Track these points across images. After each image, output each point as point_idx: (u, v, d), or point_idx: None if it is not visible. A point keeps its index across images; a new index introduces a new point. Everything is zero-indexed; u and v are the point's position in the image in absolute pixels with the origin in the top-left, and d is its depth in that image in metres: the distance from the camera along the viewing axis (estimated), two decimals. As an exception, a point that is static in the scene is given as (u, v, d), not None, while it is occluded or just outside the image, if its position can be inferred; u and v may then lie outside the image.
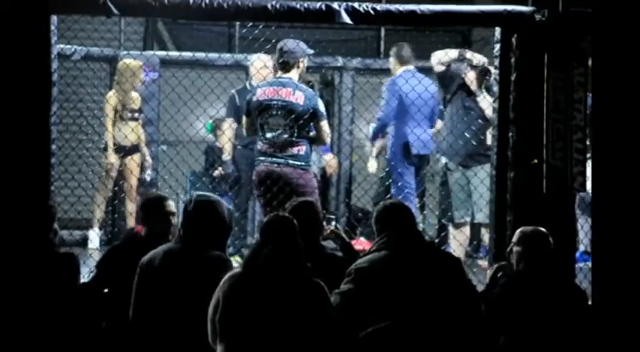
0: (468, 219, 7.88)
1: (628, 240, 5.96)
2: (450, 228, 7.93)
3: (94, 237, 8.60)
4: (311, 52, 6.85)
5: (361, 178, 9.28)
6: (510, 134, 6.09)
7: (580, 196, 6.90)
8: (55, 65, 5.97)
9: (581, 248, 7.49)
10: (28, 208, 5.84)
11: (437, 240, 7.81)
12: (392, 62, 8.30)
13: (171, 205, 5.38)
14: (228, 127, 8.07)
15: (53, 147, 5.98)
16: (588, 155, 6.09)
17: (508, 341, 4.99)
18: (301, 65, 6.73)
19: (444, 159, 7.95)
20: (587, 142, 6.06)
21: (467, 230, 7.93)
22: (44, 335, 5.02)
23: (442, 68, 7.91)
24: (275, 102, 6.64)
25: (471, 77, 7.78)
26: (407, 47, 8.30)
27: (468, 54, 7.88)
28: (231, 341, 4.35)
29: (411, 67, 8.24)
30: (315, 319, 4.38)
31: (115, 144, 8.51)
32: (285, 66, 6.72)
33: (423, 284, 4.72)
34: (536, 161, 6.02)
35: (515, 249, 5.19)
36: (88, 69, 8.45)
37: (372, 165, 8.76)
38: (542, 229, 5.25)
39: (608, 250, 6.00)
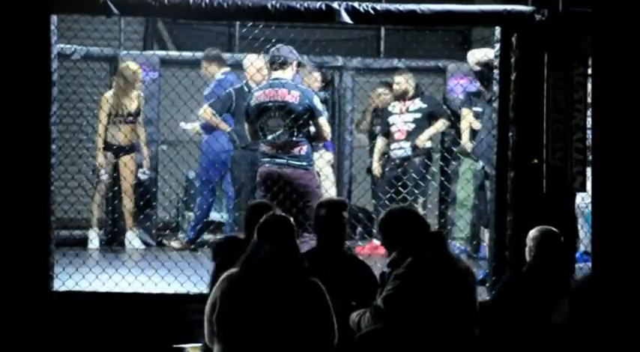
0: None
1: (628, 240, 5.96)
2: (486, 233, 7.84)
3: (94, 236, 8.59)
4: (302, 60, 6.99)
5: (361, 178, 9.29)
6: (510, 134, 6.09)
7: (581, 196, 6.90)
8: (55, 65, 5.97)
9: (581, 248, 7.48)
10: (28, 208, 5.85)
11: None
12: (210, 65, 8.63)
13: None
14: (204, 112, 8.09)
15: (53, 147, 5.98)
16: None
17: (510, 341, 5.00)
18: (294, 68, 6.77)
19: (481, 163, 7.86)
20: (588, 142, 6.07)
21: None
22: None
23: (479, 68, 7.80)
24: (272, 103, 6.66)
25: None
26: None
27: None
28: (229, 340, 4.35)
29: (228, 68, 8.65)
30: (312, 318, 4.38)
31: (108, 144, 8.52)
32: (282, 65, 6.72)
33: (447, 290, 4.74)
34: (536, 161, 6.02)
35: (528, 248, 5.21)
36: (88, 68, 8.45)
37: (376, 168, 8.77)
38: (554, 230, 5.25)
39: (607, 250, 5.99)
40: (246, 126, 6.93)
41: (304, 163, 6.65)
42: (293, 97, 6.63)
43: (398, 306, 4.68)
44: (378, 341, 4.65)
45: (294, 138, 6.62)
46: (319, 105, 6.73)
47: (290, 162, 6.62)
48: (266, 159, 6.68)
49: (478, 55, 7.70)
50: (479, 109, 7.95)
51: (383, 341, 4.65)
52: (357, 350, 4.69)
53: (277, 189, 6.57)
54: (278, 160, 6.62)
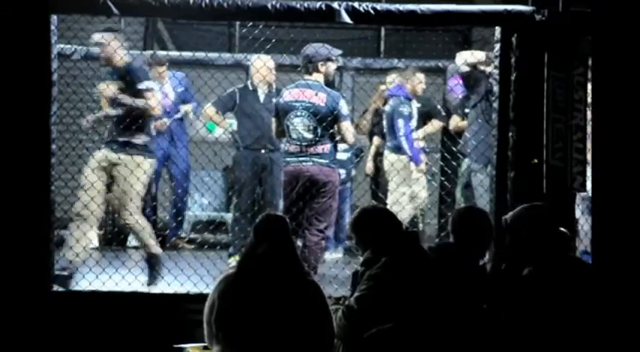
0: None
1: (628, 239, 5.96)
2: None
3: (94, 236, 8.57)
4: (337, 53, 7.02)
5: (361, 178, 9.29)
6: (510, 134, 6.09)
7: (581, 196, 6.89)
8: (55, 65, 5.97)
9: (581, 248, 7.47)
10: (29, 208, 5.85)
11: (437, 240, 7.83)
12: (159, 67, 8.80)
13: None
14: (207, 109, 8.10)
15: (53, 147, 5.98)
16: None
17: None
18: (323, 68, 6.87)
19: (467, 161, 7.87)
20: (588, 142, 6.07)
21: None
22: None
23: (467, 69, 7.84)
24: (299, 103, 6.81)
25: None
26: None
27: None
28: (228, 341, 4.35)
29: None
30: (310, 318, 4.38)
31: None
32: (307, 70, 6.88)
33: (424, 290, 4.72)
34: (536, 161, 6.02)
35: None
36: (88, 68, 8.44)
37: (369, 167, 8.78)
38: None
39: (608, 250, 5.99)
40: (273, 122, 7.06)
41: (328, 161, 6.81)
42: (320, 99, 6.79)
43: (370, 307, 4.66)
44: (385, 342, 4.63)
45: (317, 138, 6.75)
46: (345, 110, 6.88)
47: (315, 160, 6.77)
48: (291, 159, 6.84)
49: (466, 55, 7.77)
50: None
51: (391, 341, 4.63)
52: (365, 350, 4.67)
53: (303, 188, 6.72)
54: (303, 158, 6.78)
